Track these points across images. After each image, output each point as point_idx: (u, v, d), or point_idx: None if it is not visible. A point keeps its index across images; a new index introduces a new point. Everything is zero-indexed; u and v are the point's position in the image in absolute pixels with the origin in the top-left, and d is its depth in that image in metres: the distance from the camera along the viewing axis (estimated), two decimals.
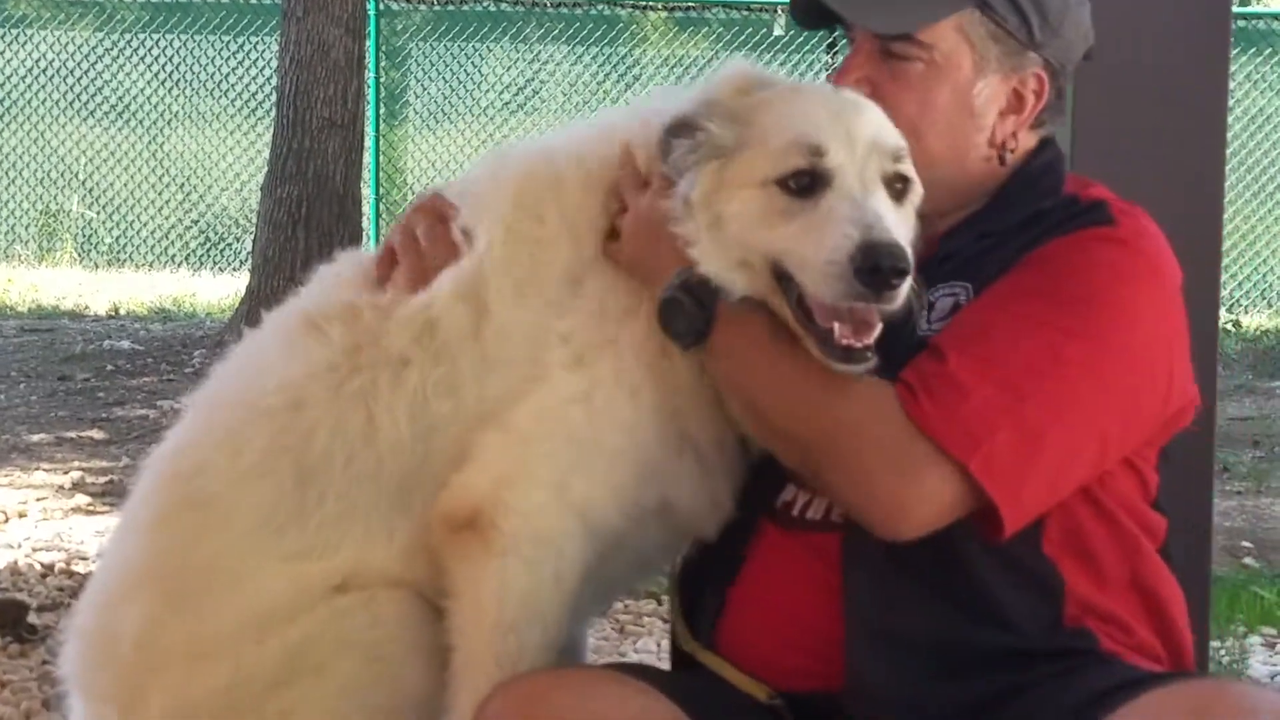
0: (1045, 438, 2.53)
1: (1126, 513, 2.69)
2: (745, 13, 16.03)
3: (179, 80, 16.32)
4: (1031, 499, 2.56)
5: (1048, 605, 2.61)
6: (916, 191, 2.66)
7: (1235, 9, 14.33)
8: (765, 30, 15.71)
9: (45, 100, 16.40)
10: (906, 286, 2.49)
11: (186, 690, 2.75)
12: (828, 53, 15.44)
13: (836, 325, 2.54)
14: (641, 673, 2.77)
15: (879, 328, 2.55)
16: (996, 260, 2.67)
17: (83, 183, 16.24)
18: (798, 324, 2.59)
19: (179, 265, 15.75)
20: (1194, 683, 2.49)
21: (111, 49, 16.35)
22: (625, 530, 2.73)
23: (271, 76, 13.43)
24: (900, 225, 2.58)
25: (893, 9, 2.74)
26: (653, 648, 4.98)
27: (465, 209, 2.86)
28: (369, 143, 14.45)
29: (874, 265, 2.46)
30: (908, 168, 2.63)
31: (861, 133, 2.60)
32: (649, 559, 2.93)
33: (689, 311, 2.64)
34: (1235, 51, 14.32)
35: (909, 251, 2.50)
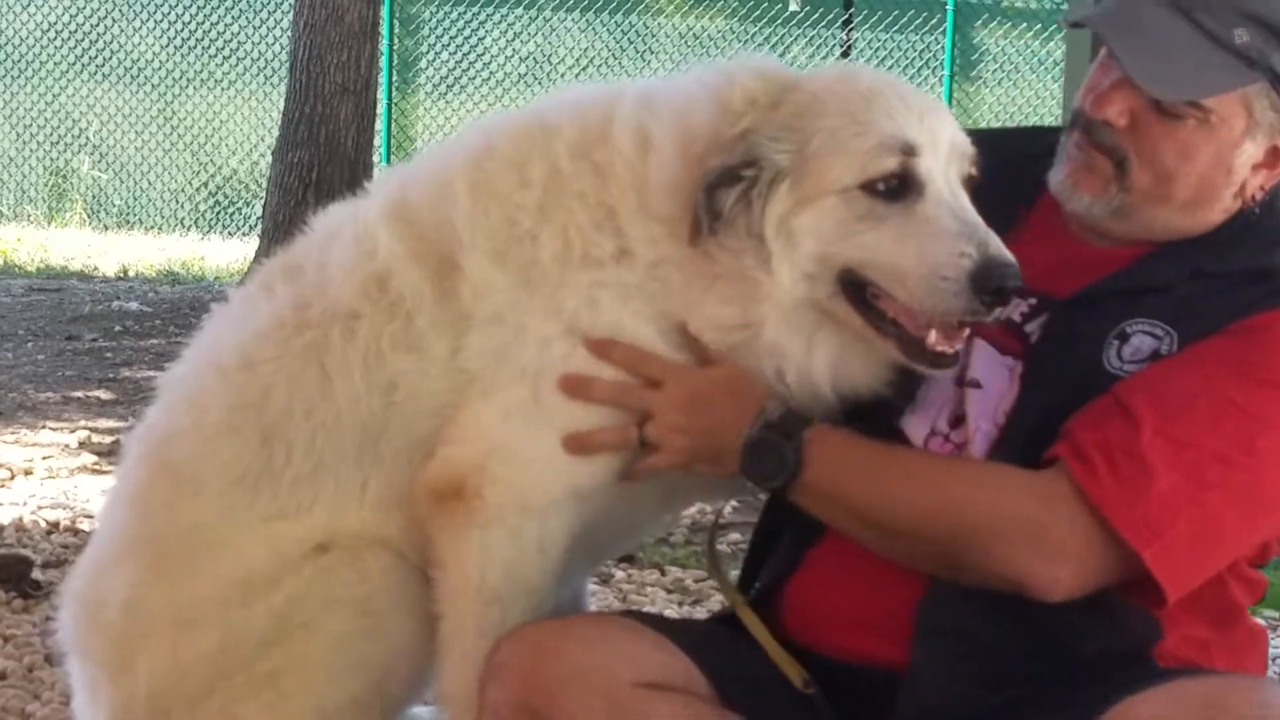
0: (1222, 529, 2.51)
1: (1235, 575, 2.66)
2: None
3: (192, 42, 16.30)
4: (1196, 581, 2.54)
5: (1135, 650, 2.57)
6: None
7: None
8: (781, 4, 15.65)
9: (57, 61, 16.38)
10: None
11: (175, 655, 2.76)
12: (843, 29, 15.39)
13: (932, 333, 2.51)
14: (654, 622, 2.75)
15: (966, 332, 2.54)
16: (1209, 313, 2.59)
17: (93, 144, 16.23)
18: (872, 329, 2.55)
19: (188, 228, 15.74)
20: (1211, 677, 2.47)
21: (124, 9, 16.32)
22: (617, 499, 2.71)
23: (285, 40, 13.38)
24: None
25: (1181, 75, 2.60)
26: None
27: (447, 162, 2.79)
28: (381, 109, 14.43)
29: (1000, 286, 2.44)
30: (977, 164, 2.59)
31: (944, 134, 2.55)
32: (640, 523, 2.92)
33: (777, 448, 2.56)
34: None
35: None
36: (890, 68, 15.34)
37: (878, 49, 15.51)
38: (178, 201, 16.06)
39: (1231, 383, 2.52)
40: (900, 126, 2.52)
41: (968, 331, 2.55)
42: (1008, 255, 2.46)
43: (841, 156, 2.52)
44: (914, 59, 15.48)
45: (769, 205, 2.54)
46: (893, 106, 2.54)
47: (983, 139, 2.96)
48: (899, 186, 2.51)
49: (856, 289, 2.55)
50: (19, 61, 16.43)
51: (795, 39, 15.59)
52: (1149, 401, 2.50)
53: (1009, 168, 2.84)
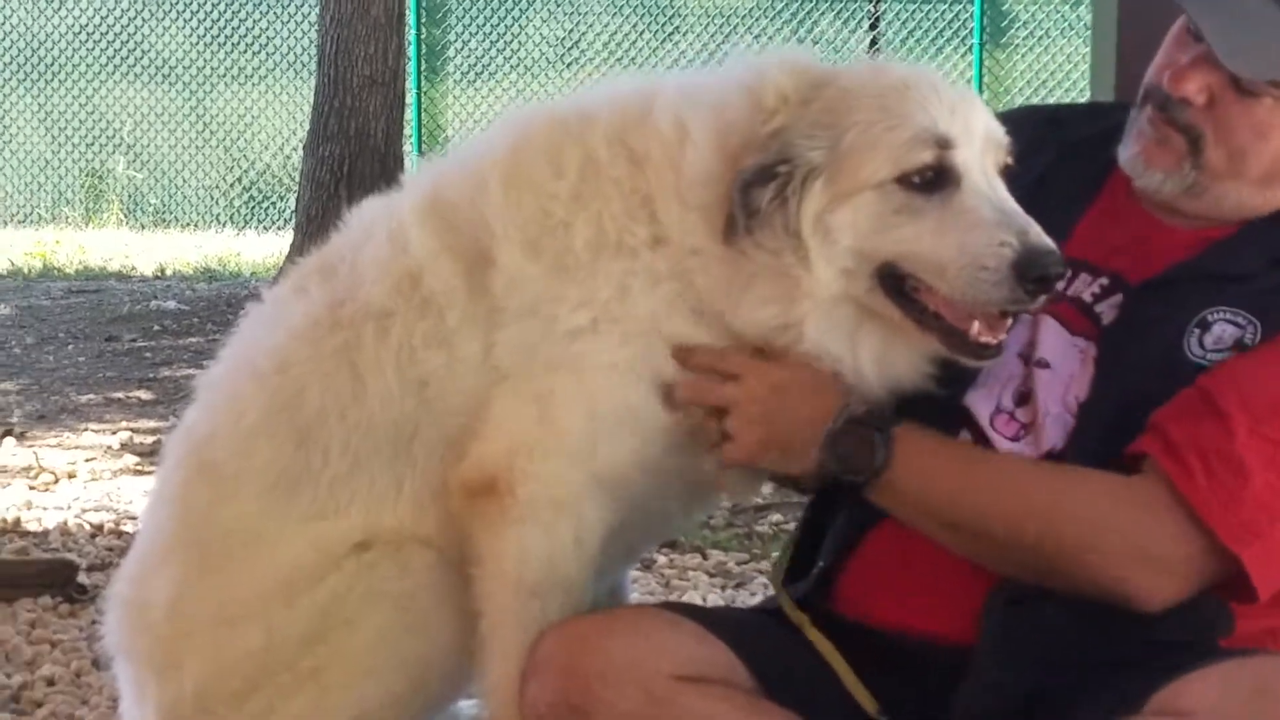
0: None
1: None
2: None
3: (221, 39, 16.35)
4: None
5: (1206, 638, 2.55)
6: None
7: None
8: None
9: (89, 63, 16.46)
10: None
11: (219, 654, 2.78)
12: (871, 1, 15.32)
13: (975, 324, 2.51)
14: (695, 613, 2.74)
15: (1010, 322, 2.53)
16: None
17: (128, 144, 16.30)
18: (912, 322, 2.54)
19: (224, 225, 15.81)
20: (1262, 658, 2.45)
21: (154, 8, 16.38)
22: (649, 492, 2.71)
23: (313, 34, 13.41)
24: None
25: (1266, 53, 2.58)
26: (698, 601, 4.98)
27: (481, 155, 2.78)
28: (410, 100, 14.44)
29: (1042, 275, 2.44)
30: (1012, 154, 2.58)
31: (978, 125, 2.54)
32: (672, 516, 2.90)
33: (864, 442, 2.55)
34: None
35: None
36: (919, 39, 15.30)
37: (906, 20, 15.44)
38: (212, 198, 16.13)
39: None
40: (934, 119, 2.51)
41: (1011, 321, 2.54)
42: (1049, 243, 2.45)
43: (876, 151, 2.51)
44: (943, 29, 15.39)
45: (804, 202, 2.52)
46: (926, 99, 2.53)
47: (1045, 117, 2.96)
48: (935, 179, 2.50)
49: (895, 282, 2.54)
50: (52, 64, 16.51)
51: (823, 13, 15.52)
52: (1239, 401, 2.50)
53: (1076, 146, 2.83)
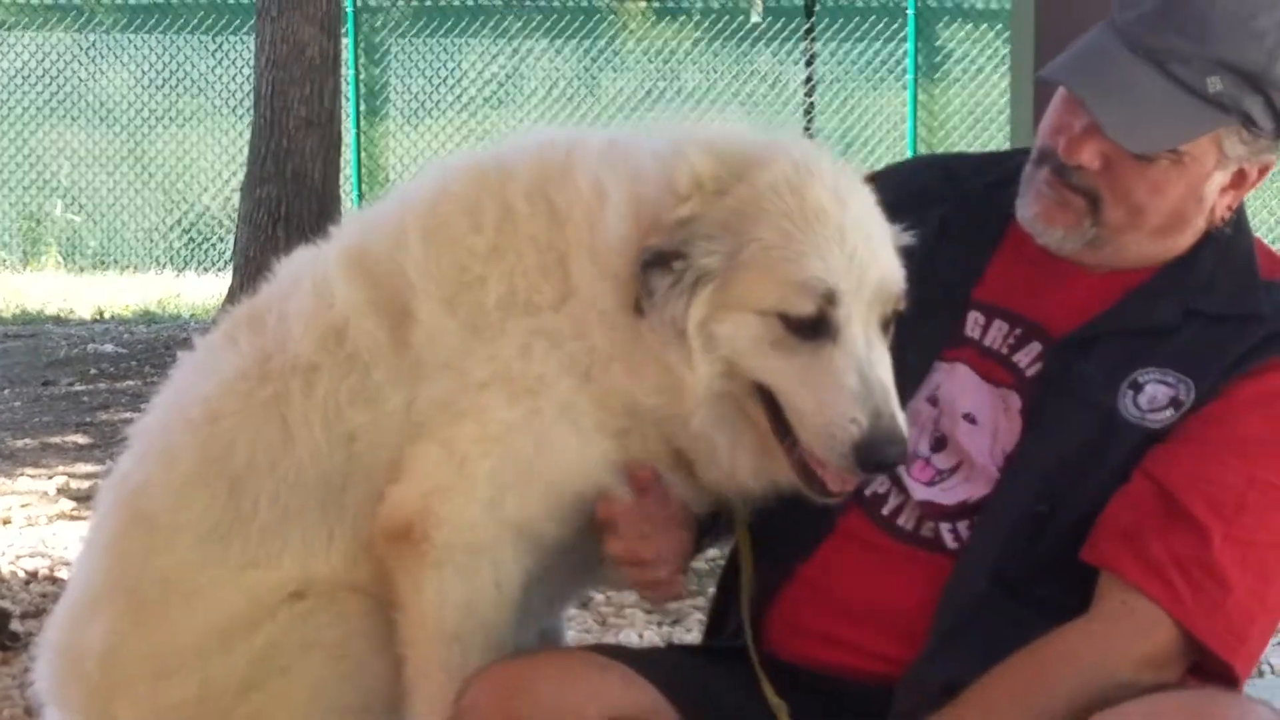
0: (1279, 608, 2.62)
1: None
2: (724, 0, 16.01)
3: (159, 81, 16.28)
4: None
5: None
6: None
7: None
8: (743, 18, 15.69)
9: (26, 104, 16.36)
10: None
11: (153, 704, 2.77)
12: (805, 38, 15.43)
13: (829, 469, 2.53)
14: (625, 656, 2.74)
15: (861, 477, 2.56)
16: (1215, 357, 2.64)
17: (65, 186, 16.20)
18: (777, 439, 2.55)
19: (163, 267, 15.70)
20: (1190, 691, 2.50)
21: (90, 50, 16.30)
22: (572, 542, 2.71)
23: (251, 75, 13.40)
24: (890, 372, 2.54)
25: (1155, 127, 2.61)
26: (634, 639, 4.98)
27: (404, 206, 2.78)
28: (349, 140, 14.44)
29: (879, 462, 2.47)
30: (904, 300, 2.57)
31: (872, 277, 2.51)
32: (598, 565, 2.86)
33: None
34: None
35: (907, 433, 2.49)
36: (855, 75, 15.40)
37: (840, 58, 15.54)
38: (151, 240, 16.03)
39: (1271, 470, 2.59)
40: (827, 268, 2.48)
41: (861, 478, 2.56)
42: (897, 429, 2.47)
43: (767, 279, 2.49)
44: (877, 66, 15.51)
45: (693, 304, 2.51)
46: (827, 241, 2.49)
47: (944, 165, 2.99)
48: (814, 326, 2.49)
49: (771, 398, 2.55)
50: None
51: (759, 50, 15.62)
52: (1206, 503, 2.56)
53: (972, 195, 2.86)
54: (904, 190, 2.82)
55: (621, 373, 2.60)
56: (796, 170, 2.54)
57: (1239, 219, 2.77)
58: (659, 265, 2.52)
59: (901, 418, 2.48)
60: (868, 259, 2.51)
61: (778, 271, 2.49)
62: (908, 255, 2.63)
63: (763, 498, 2.66)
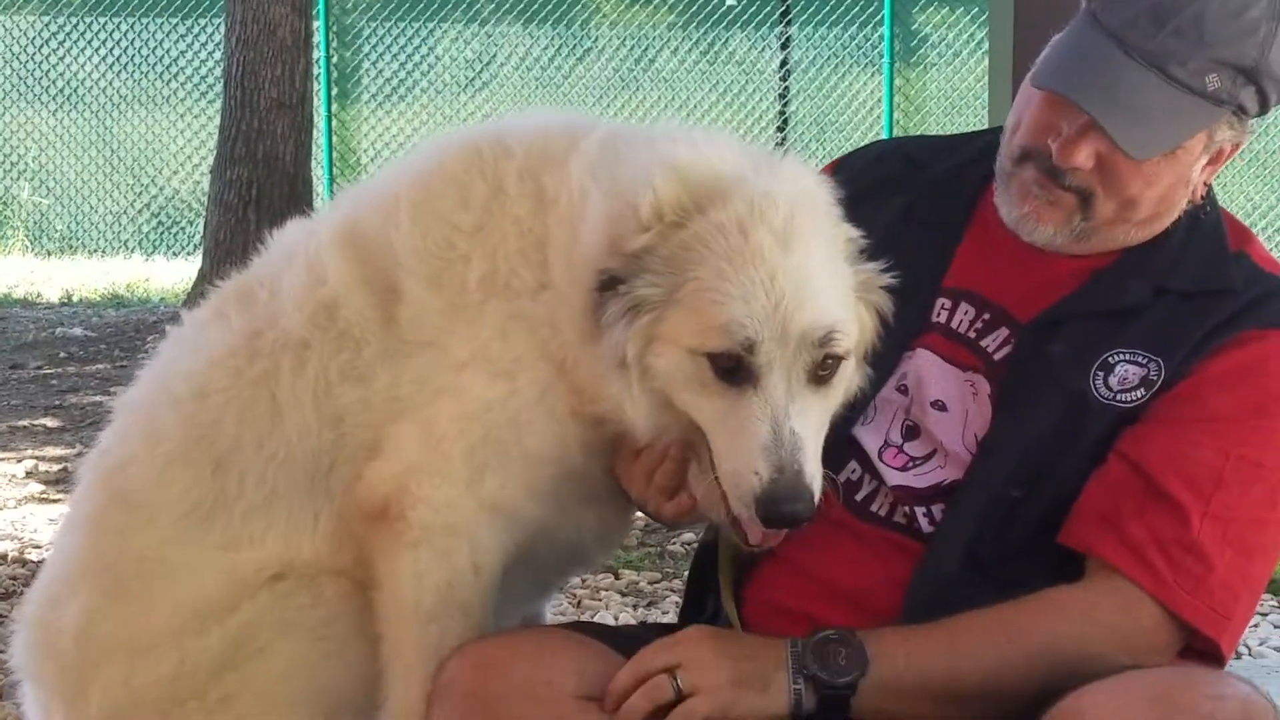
0: (1264, 582, 2.65)
1: None
2: None
3: (127, 64, 16.20)
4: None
5: None
6: (844, 367, 2.53)
7: None
8: (718, 1, 15.67)
9: None
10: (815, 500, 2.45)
11: (129, 682, 2.74)
12: (780, 22, 15.41)
13: (746, 524, 2.51)
14: (601, 633, 2.73)
15: (784, 533, 2.52)
16: (1185, 334, 2.64)
17: (32, 169, 16.11)
18: (714, 471, 2.51)
19: (132, 250, 15.64)
20: (1163, 670, 2.49)
21: (58, 33, 16.20)
22: (552, 523, 2.69)
23: (219, 57, 13.33)
24: (818, 420, 2.49)
25: (1159, 133, 2.61)
26: (609, 621, 4.97)
27: (396, 181, 2.76)
28: (321, 122, 14.37)
29: (774, 518, 2.43)
30: (840, 345, 2.50)
31: (796, 327, 2.45)
32: (583, 548, 2.86)
33: (842, 644, 2.52)
34: None
35: (814, 488, 2.43)
36: (829, 60, 15.40)
37: (816, 42, 15.54)
38: (120, 224, 15.96)
39: (1247, 445, 2.59)
40: (748, 313, 2.44)
41: (785, 533, 2.53)
42: (802, 486, 2.42)
43: (695, 317, 2.46)
44: (853, 50, 15.52)
45: (634, 334, 2.49)
46: (754, 285, 2.45)
47: (905, 152, 2.97)
48: (736, 369, 2.46)
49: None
50: None
51: (734, 35, 15.60)
52: (1183, 482, 2.56)
53: (937, 180, 2.85)
54: (865, 179, 2.82)
55: (585, 374, 2.58)
56: (750, 209, 2.49)
57: (1208, 191, 2.78)
58: (609, 289, 2.49)
59: (811, 473, 2.43)
60: (794, 306, 2.45)
61: (705, 312, 2.46)
62: (872, 245, 2.60)
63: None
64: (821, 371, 2.49)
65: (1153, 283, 2.69)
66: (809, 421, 2.47)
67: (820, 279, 2.49)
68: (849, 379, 2.58)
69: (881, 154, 3.02)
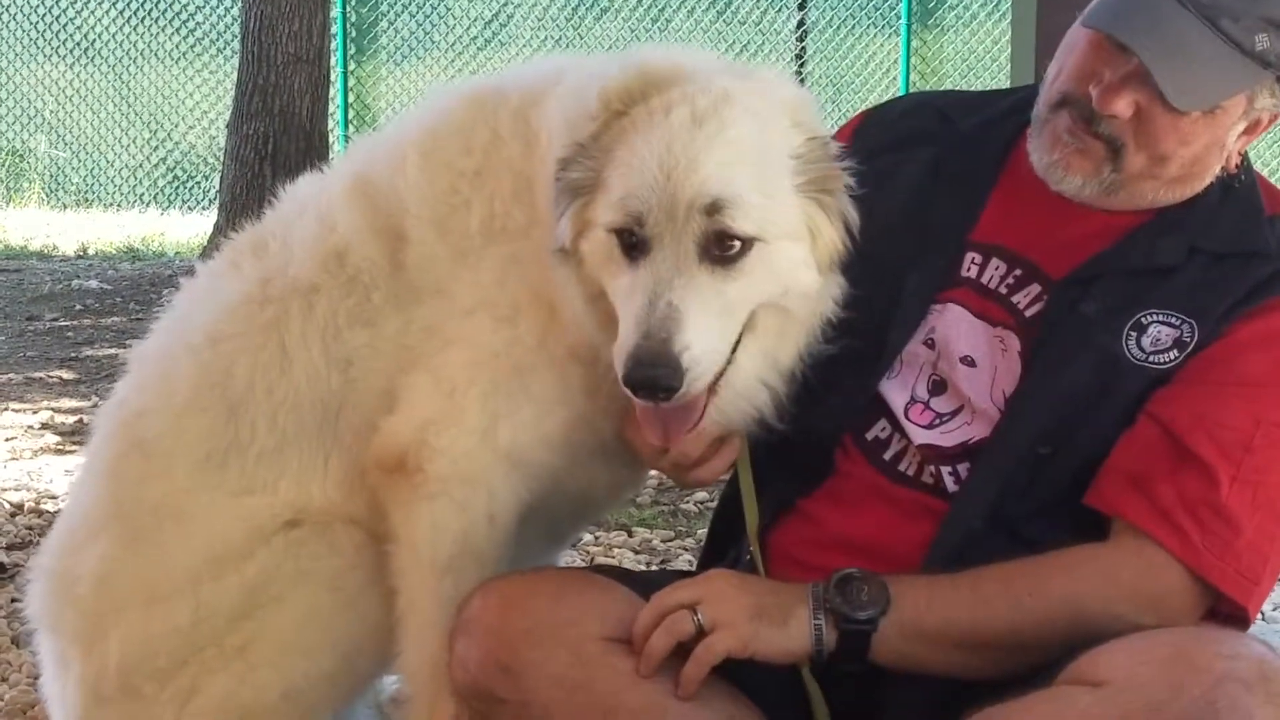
0: None
1: None
2: None
3: (144, 17, 16.15)
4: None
5: None
6: (759, 253, 2.46)
7: None
8: None
9: (9, 40, 16.22)
10: (695, 386, 2.40)
11: (146, 629, 2.76)
12: None
13: (643, 421, 2.49)
14: (624, 576, 2.74)
15: (690, 428, 2.49)
16: (1218, 296, 2.62)
17: (49, 123, 16.09)
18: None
19: (147, 204, 15.63)
20: (1179, 629, 2.48)
21: None
22: (564, 471, 2.70)
23: (236, 11, 13.29)
24: (715, 302, 2.42)
25: (1203, 84, 2.60)
26: None
27: (405, 131, 2.78)
28: (337, 78, 14.34)
29: (638, 382, 2.38)
30: (737, 223, 2.43)
31: (683, 195, 2.41)
32: (594, 498, 2.89)
33: (864, 582, 2.51)
34: None
35: (685, 362, 2.36)
36: (847, 21, 15.32)
37: (833, 3, 15.46)
38: (135, 178, 15.94)
39: (1277, 409, 2.57)
40: (639, 186, 2.43)
41: (692, 427, 2.50)
42: (665, 353, 2.36)
43: (606, 196, 2.47)
44: (870, 12, 15.43)
45: (569, 217, 2.51)
46: (647, 159, 2.43)
47: (938, 106, 2.96)
48: (635, 244, 2.44)
49: None
50: None
51: None
52: (1213, 445, 2.55)
53: (966, 135, 2.84)
54: (896, 131, 2.82)
55: (557, 292, 2.59)
56: (682, 94, 2.49)
57: (1243, 160, 2.77)
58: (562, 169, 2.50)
59: (684, 345, 2.37)
60: (683, 176, 2.42)
61: (613, 190, 2.45)
62: (899, 198, 2.59)
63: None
64: (718, 250, 2.42)
65: (1187, 242, 2.67)
66: (695, 298, 2.40)
67: (727, 154, 2.44)
68: (785, 276, 2.50)
69: (914, 107, 3.02)
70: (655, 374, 2.36)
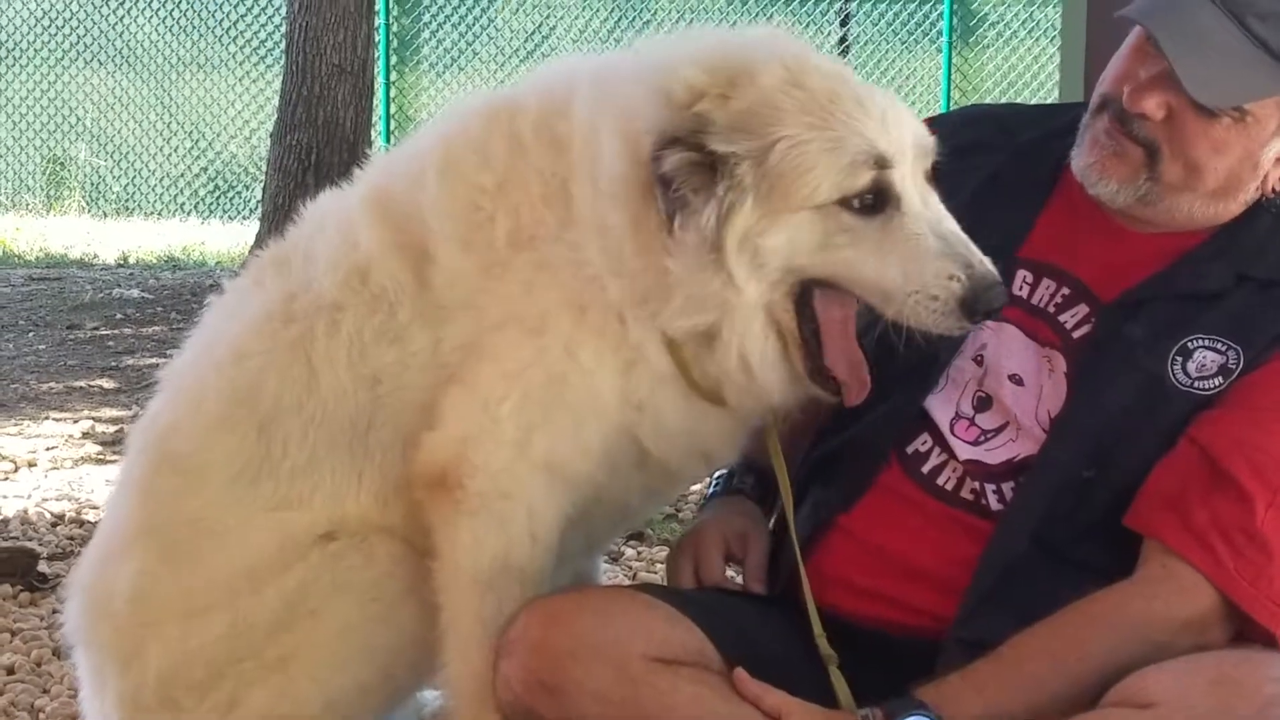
0: None
1: None
2: None
3: (187, 26, 16.24)
4: None
5: None
6: None
7: None
8: None
9: (53, 49, 16.32)
10: None
11: (183, 643, 2.77)
12: None
13: (844, 378, 2.54)
14: (668, 595, 2.73)
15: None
16: (1265, 323, 2.63)
17: (90, 131, 16.18)
18: (799, 333, 2.54)
19: (188, 213, 15.69)
20: (1225, 650, 2.49)
21: None
22: (604, 482, 2.70)
23: (281, 22, 13.34)
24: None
25: (1228, 81, 2.60)
26: None
27: (423, 146, 2.78)
28: (380, 89, 14.37)
29: (988, 310, 2.45)
30: (938, 154, 2.55)
31: (908, 136, 2.50)
32: (631, 506, 2.88)
33: (915, 709, 2.51)
34: None
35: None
36: (889, 37, 15.30)
37: (875, 19, 15.45)
38: (177, 187, 16.01)
39: None
40: (870, 140, 2.47)
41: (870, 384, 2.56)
42: (993, 274, 2.46)
43: (815, 173, 2.46)
44: (912, 28, 15.41)
45: (731, 221, 2.47)
46: (853, 113, 2.48)
47: (994, 119, 2.96)
48: (874, 201, 2.47)
49: (806, 294, 2.54)
50: (14, 49, 16.36)
51: (793, 9, 15.52)
52: (1251, 470, 2.54)
53: (1025, 148, 2.85)
54: (956, 140, 2.80)
55: (644, 302, 2.57)
56: (788, 68, 2.52)
57: None
58: (673, 147, 2.47)
59: (989, 261, 2.47)
60: (895, 120, 2.50)
61: (823, 162, 2.45)
62: (957, 208, 2.59)
63: (784, 412, 2.67)
64: (930, 180, 2.53)
65: (1234, 269, 2.67)
66: (954, 221, 2.50)
67: (889, 96, 2.55)
68: None
69: (975, 117, 3.04)
70: (998, 294, 2.46)
